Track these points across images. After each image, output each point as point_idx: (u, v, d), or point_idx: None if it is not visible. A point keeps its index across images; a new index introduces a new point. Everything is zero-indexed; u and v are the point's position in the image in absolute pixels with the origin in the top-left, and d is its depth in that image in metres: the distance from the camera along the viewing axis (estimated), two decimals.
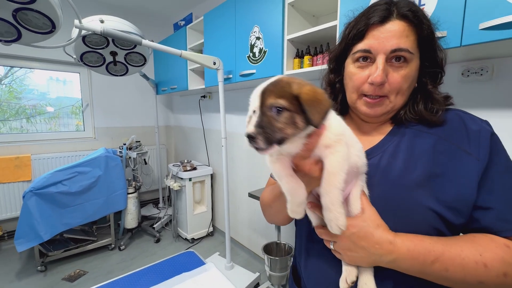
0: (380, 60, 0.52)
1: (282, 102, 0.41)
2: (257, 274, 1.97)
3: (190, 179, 2.63)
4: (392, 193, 0.52)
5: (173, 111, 3.79)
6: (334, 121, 0.48)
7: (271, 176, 0.74)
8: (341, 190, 0.45)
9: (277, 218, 0.72)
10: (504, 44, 0.85)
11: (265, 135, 0.41)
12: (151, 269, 0.88)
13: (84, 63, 1.90)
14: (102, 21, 1.60)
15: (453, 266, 0.45)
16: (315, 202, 0.55)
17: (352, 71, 0.57)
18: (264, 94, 0.43)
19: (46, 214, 2.12)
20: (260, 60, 1.61)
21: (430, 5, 0.91)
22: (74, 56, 1.82)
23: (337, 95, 0.66)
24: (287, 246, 1.82)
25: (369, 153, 0.58)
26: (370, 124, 0.63)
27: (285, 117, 0.42)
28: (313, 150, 0.46)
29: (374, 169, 0.56)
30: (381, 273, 0.51)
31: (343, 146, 0.46)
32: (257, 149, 0.43)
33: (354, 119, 0.66)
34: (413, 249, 0.46)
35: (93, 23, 1.51)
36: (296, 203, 0.50)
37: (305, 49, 1.47)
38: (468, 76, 1.10)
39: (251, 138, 0.42)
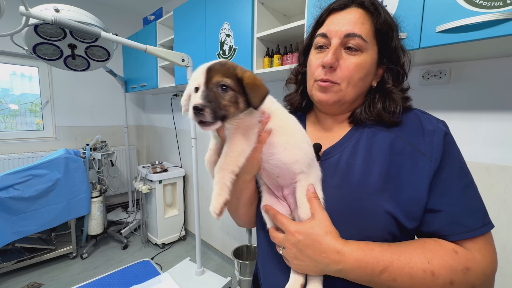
0: (334, 43, 0.52)
1: (228, 81, 0.44)
2: (229, 278, 1.91)
3: (160, 182, 2.51)
4: (350, 195, 0.50)
5: (145, 110, 3.62)
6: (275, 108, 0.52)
7: None
8: (225, 170, 0.47)
9: (237, 217, 0.68)
10: (460, 47, 0.87)
11: (212, 109, 0.42)
12: (98, 283, 0.79)
13: (38, 56, 1.73)
14: (57, 10, 1.46)
15: (401, 276, 0.43)
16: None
17: (311, 57, 0.58)
18: (210, 72, 0.45)
19: None
20: (230, 58, 1.56)
21: (392, 6, 0.92)
22: (26, 48, 1.65)
23: (299, 86, 0.66)
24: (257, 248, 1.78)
25: (329, 152, 0.56)
26: (331, 119, 0.61)
27: (229, 96, 0.44)
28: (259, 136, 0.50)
29: (333, 169, 0.54)
30: (330, 281, 0.49)
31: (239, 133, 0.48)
32: (202, 123, 0.43)
33: (317, 114, 0.65)
34: (361, 259, 0.44)
35: (45, 11, 1.37)
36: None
37: (275, 48, 1.45)
38: (428, 79, 1.13)
39: (198, 110, 0.41)
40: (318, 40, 0.55)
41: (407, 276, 0.43)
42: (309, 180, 0.50)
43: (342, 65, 0.52)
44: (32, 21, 1.38)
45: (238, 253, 1.72)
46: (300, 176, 0.51)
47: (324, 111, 0.61)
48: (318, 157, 0.57)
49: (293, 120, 0.55)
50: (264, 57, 1.48)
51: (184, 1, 2.01)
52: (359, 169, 0.51)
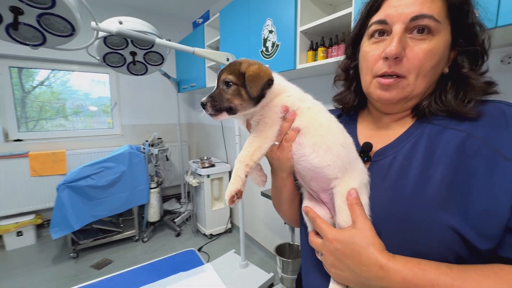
0: (397, 30, 0.44)
1: (230, 77, 0.49)
2: (271, 274, 1.93)
3: (208, 176, 2.66)
4: (403, 203, 0.43)
5: (195, 108, 3.87)
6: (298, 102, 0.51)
7: None
8: (241, 162, 0.49)
9: (282, 213, 0.69)
10: None
11: (213, 103, 0.49)
12: (151, 266, 0.89)
13: (107, 64, 1.99)
14: (120, 22, 1.65)
15: None
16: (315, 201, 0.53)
17: (366, 49, 0.50)
18: (221, 72, 0.51)
19: (77, 205, 2.29)
20: (273, 55, 1.55)
21: None
22: (98, 58, 1.92)
23: (351, 83, 0.59)
24: (300, 247, 1.75)
25: (381, 153, 0.50)
26: (389, 117, 0.53)
27: (232, 90, 0.49)
28: (285, 134, 0.50)
29: (384, 173, 0.48)
30: None
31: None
32: (210, 115, 0.50)
33: (371, 112, 0.58)
34: (410, 279, 0.37)
35: (111, 24, 1.57)
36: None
37: (319, 41, 1.38)
38: (509, 63, 0.93)
39: (203, 105, 0.50)
40: (375, 28, 0.47)
41: None
42: (350, 185, 0.46)
43: (409, 54, 0.44)
44: (101, 34, 1.58)
45: (281, 250, 1.72)
46: (335, 182, 0.47)
47: (385, 110, 0.53)
48: (369, 158, 0.51)
49: (328, 120, 0.51)
50: (308, 51, 1.42)
51: (229, 2, 2.06)
52: (416, 173, 0.43)
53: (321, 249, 0.47)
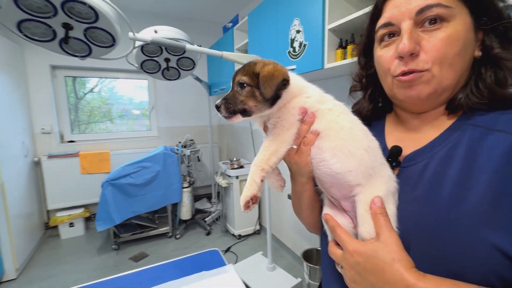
0: (405, 27, 0.41)
1: (244, 79, 0.47)
2: (299, 280, 1.89)
3: (237, 177, 2.70)
4: (436, 216, 0.38)
5: None
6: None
7: None
8: (257, 166, 0.47)
9: (302, 219, 0.66)
10: None
11: (226, 105, 0.48)
12: (174, 264, 0.93)
13: (144, 71, 2.14)
14: (156, 31, 1.77)
15: None
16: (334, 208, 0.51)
17: (379, 54, 0.47)
18: (236, 74, 0.50)
19: (118, 201, 2.49)
20: (300, 55, 1.52)
21: None
22: (136, 65, 2.07)
23: (366, 91, 0.56)
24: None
25: (412, 158, 0.45)
26: (419, 118, 0.48)
27: (246, 91, 0.47)
28: (303, 137, 0.48)
29: (415, 180, 0.43)
30: None
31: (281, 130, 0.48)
32: (224, 117, 0.50)
33: (399, 115, 0.53)
34: None
35: (147, 33, 1.68)
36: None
37: (349, 38, 1.32)
38: None
39: (217, 107, 0.49)
40: (382, 32, 0.45)
41: None
42: (374, 193, 0.42)
43: (426, 46, 0.40)
44: (138, 43, 1.71)
45: (308, 255, 1.67)
46: (358, 189, 0.44)
47: (416, 110, 0.48)
48: (398, 163, 0.47)
49: (350, 122, 0.47)
50: (337, 49, 1.36)
51: (257, 4, 2.08)
52: (453, 182, 0.38)
53: (341, 261, 0.44)
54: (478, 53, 0.42)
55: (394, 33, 0.44)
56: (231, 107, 0.48)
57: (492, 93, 0.39)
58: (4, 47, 2.32)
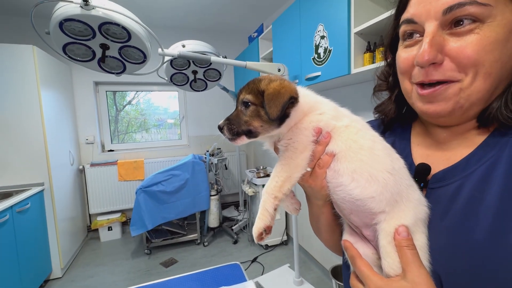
0: (429, 29, 0.35)
1: (249, 97, 0.44)
2: None
3: (263, 186, 2.67)
4: (472, 253, 0.33)
5: None
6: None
7: None
8: (269, 194, 0.43)
9: (323, 241, 0.62)
10: None
11: (230, 127, 0.45)
12: (195, 276, 0.92)
13: (174, 83, 2.24)
14: (183, 46, 1.86)
15: None
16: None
17: (399, 53, 0.42)
18: (240, 92, 0.47)
19: (150, 208, 2.61)
20: (325, 61, 1.47)
21: None
22: (166, 78, 2.18)
23: (392, 92, 0.50)
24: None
25: (442, 177, 0.39)
26: (447, 130, 0.42)
27: (250, 111, 0.44)
28: (318, 159, 0.43)
29: (447, 204, 0.37)
30: None
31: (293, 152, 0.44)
32: (228, 139, 0.46)
33: (425, 124, 0.47)
34: None
35: (175, 48, 1.77)
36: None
37: (378, 40, 1.25)
38: None
39: (220, 129, 0.46)
40: (404, 29, 0.40)
41: None
42: (400, 221, 0.37)
43: (451, 52, 0.34)
44: (167, 57, 1.80)
45: (338, 272, 1.57)
46: (381, 217, 0.38)
47: (437, 123, 0.43)
48: (426, 184, 0.41)
49: (370, 140, 0.42)
50: (364, 53, 1.29)
51: (281, 13, 2.08)
52: (493, 210, 0.32)
53: None
54: None
55: (417, 32, 0.38)
56: (235, 129, 0.45)
57: None
58: (55, 67, 2.62)
